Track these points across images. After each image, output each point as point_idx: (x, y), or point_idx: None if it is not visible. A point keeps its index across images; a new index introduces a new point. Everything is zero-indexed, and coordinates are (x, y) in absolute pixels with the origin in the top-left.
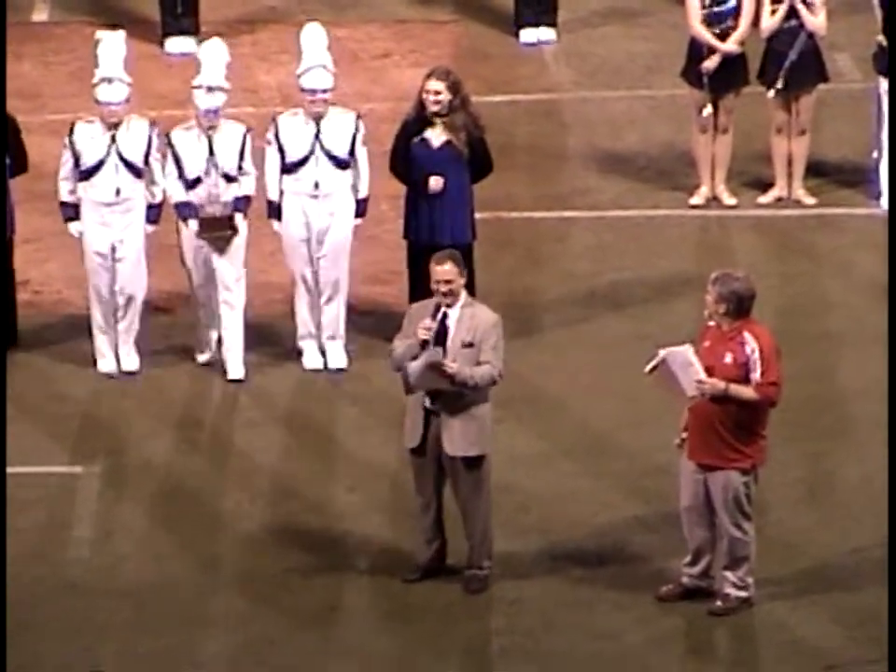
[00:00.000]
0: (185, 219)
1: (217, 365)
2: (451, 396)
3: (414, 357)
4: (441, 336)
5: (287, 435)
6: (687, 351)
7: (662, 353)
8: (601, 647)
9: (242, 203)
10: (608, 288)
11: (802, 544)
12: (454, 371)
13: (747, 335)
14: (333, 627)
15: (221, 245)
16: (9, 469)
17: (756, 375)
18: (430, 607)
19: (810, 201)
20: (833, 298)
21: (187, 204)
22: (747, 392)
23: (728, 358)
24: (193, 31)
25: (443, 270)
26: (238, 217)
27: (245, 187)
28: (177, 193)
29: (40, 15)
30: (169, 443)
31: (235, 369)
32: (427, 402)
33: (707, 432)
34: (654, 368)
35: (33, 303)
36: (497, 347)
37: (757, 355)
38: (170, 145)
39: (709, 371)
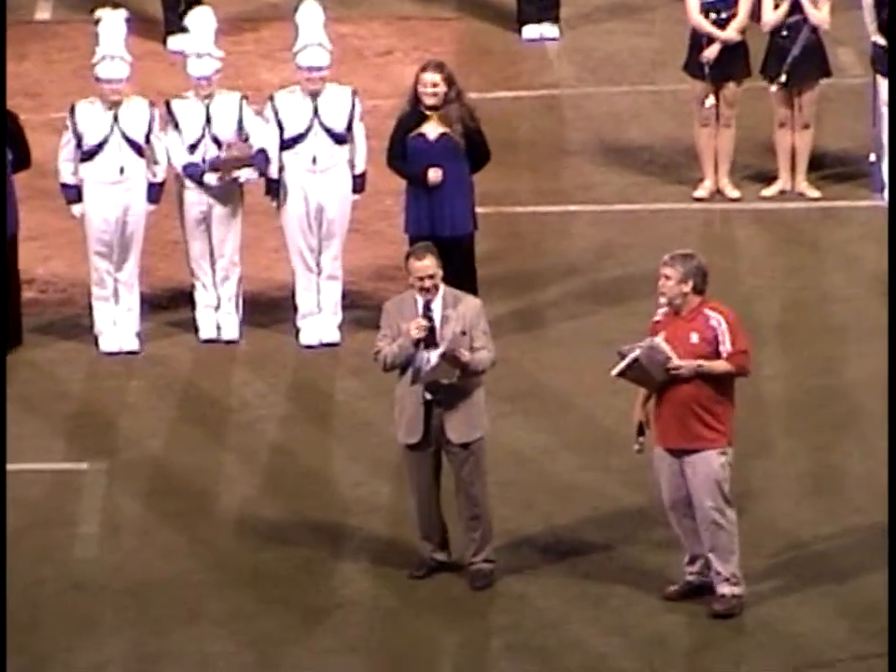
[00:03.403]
0: (193, 177)
1: (218, 347)
2: (452, 385)
3: (411, 356)
4: (429, 331)
5: (293, 426)
6: (658, 343)
7: (634, 352)
8: (608, 642)
9: (260, 157)
10: (611, 283)
11: (807, 537)
12: (468, 359)
13: (708, 311)
14: (339, 624)
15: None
16: (15, 467)
17: (727, 346)
18: (436, 603)
19: (814, 194)
20: (836, 291)
21: (194, 165)
22: (720, 365)
23: (694, 338)
24: None
25: (424, 265)
26: (263, 167)
27: (259, 141)
28: (181, 157)
29: (43, 14)
30: (174, 439)
31: (230, 330)
32: (428, 395)
33: (682, 416)
34: (624, 370)
35: (38, 301)
36: (486, 332)
37: (724, 326)
38: (169, 113)
39: (678, 356)
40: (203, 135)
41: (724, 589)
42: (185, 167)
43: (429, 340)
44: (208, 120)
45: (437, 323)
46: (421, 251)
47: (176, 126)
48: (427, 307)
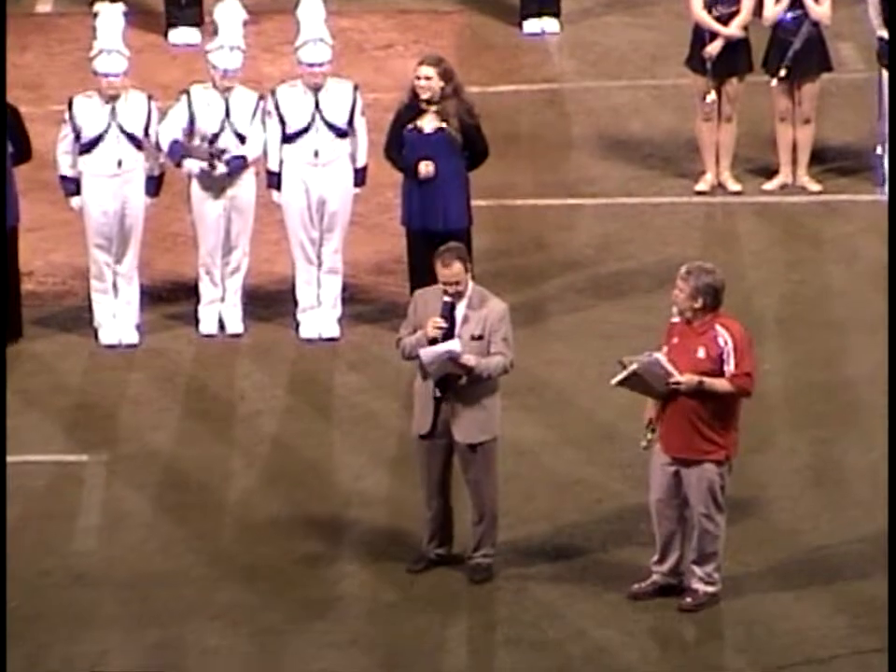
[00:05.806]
0: (173, 158)
1: (218, 339)
2: (462, 386)
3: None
4: (448, 329)
5: (293, 420)
6: (658, 359)
7: (633, 366)
8: (606, 635)
9: (235, 162)
10: (613, 276)
11: (807, 531)
12: (472, 364)
13: (719, 328)
14: (338, 617)
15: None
16: (16, 458)
17: (730, 367)
18: (436, 596)
19: (815, 187)
20: (837, 284)
21: (176, 142)
22: (721, 385)
23: (701, 353)
24: (197, 22)
25: (451, 272)
26: (220, 166)
27: (249, 149)
28: (171, 133)
29: (44, 6)
30: (174, 432)
31: (235, 324)
32: (438, 393)
33: (682, 426)
34: (623, 380)
35: (37, 294)
36: (507, 338)
37: (731, 346)
38: (188, 97)
39: (682, 367)
40: (221, 128)
41: (697, 585)
42: (170, 145)
43: (446, 337)
44: (227, 114)
45: (457, 322)
46: (449, 256)
47: (191, 114)
48: (450, 307)
